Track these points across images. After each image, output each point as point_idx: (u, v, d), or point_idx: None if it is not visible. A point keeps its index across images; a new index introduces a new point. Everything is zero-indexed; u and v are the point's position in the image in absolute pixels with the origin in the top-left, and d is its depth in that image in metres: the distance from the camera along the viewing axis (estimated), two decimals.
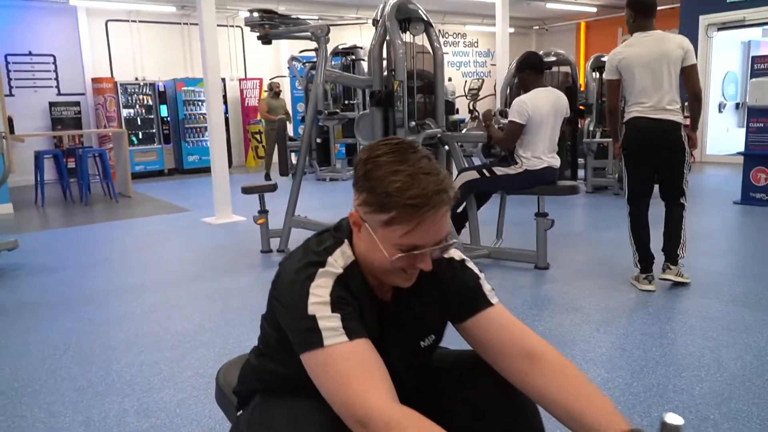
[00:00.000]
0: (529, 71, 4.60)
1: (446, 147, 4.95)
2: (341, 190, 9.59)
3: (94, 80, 12.30)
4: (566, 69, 8.62)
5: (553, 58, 8.66)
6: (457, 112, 10.80)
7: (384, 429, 1.09)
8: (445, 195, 1.20)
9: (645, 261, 3.94)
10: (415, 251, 1.21)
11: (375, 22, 4.92)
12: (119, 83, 12.35)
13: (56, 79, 12.39)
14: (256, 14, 5.39)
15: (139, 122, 12.75)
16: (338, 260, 1.28)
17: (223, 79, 13.29)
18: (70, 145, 12.02)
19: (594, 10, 15.42)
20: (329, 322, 1.18)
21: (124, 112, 12.47)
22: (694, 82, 3.69)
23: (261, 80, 13.84)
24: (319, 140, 10.99)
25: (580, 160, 8.49)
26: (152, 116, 12.80)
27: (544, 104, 4.53)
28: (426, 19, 4.97)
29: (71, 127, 12.11)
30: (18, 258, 5.63)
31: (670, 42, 3.69)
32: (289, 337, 1.23)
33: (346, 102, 10.76)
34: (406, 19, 4.94)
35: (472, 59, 16.88)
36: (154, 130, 12.87)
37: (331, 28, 5.35)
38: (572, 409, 1.19)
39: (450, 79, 5.66)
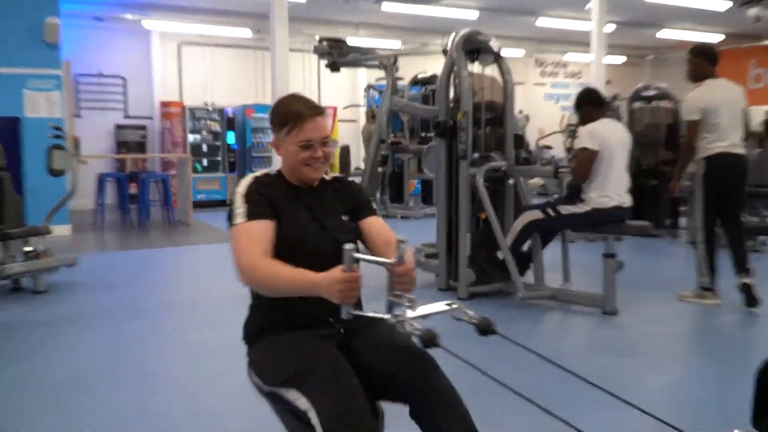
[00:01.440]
0: (589, 107, 5.07)
1: (510, 181, 5.41)
2: (412, 228, 10.14)
3: (163, 104, 13.55)
4: (668, 104, 8.93)
5: (653, 92, 8.99)
6: (528, 149, 11.23)
7: (251, 270, 1.92)
8: (317, 108, 2.13)
9: (713, 278, 5.13)
10: (308, 144, 2.10)
11: (445, 52, 5.51)
12: (188, 108, 13.57)
13: (124, 101, 13.73)
14: (325, 43, 6.11)
15: (204, 149, 13.87)
16: (265, 171, 2.21)
17: None
18: (133, 169, 13.21)
19: (716, 39, 15.42)
20: (240, 208, 2.03)
21: (191, 138, 13.65)
22: (748, 122, 5.13)
23: (335, 109, 14.74)
24: (380, 169, 11.56)
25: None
26: (218, 143, 13.91)
27: (613, 134, 4.94)
28: (496, 50, 5.51)
29: (136, 151, 13.35)
30: (75, 275, 6.47)
31: (737, 88, 5.08)
32: None
33: (424, 135, 11.38)
34: (475, 49, 5.51)
35: (573, 91, 17.25)
36: (219, 158, 13.95)
37: (412, 56, 6.02)
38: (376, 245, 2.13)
39: (521, 112, 6.13)
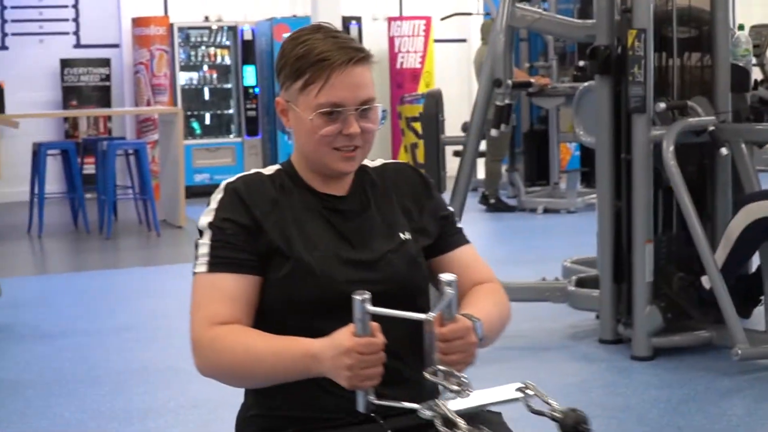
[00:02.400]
0: None
1: (723, 151, 5.37)
2: (564, 229, 10.13)
3: (136, 23, 13.95)
4: None
5: None
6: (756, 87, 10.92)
7: (205, 347, 2.08)
8: (357, 51, 2.15)
9: None
10: (336, 109, 2.13)
11: None
12: (177, 27, 13.89)
13: (75, 21, 14.18)
14: None
15: (205, 95, 14.17)
16: (257, 170, 2.29)
17: (356, 20, 14.48)
18: (89, 134, 13.63)
19: None
20: (203, 246, 2.15)
21: (182, 78, 13.98)
22: None
23: (428, 21, 14.86)
24: (495, 132, 11.51)
25: None
26: (229, 85, 14.21)
27: None
28: None
29: (94, 104, 13.82)
30: (1, 314, 6.79)
31: None
32: None
33: (582, 65, 11.33)
34: None
35: None
36: (230, 111, 14.24)
37: None
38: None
39: (741, 27, 6.02)
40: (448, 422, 1.78)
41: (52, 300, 7.51)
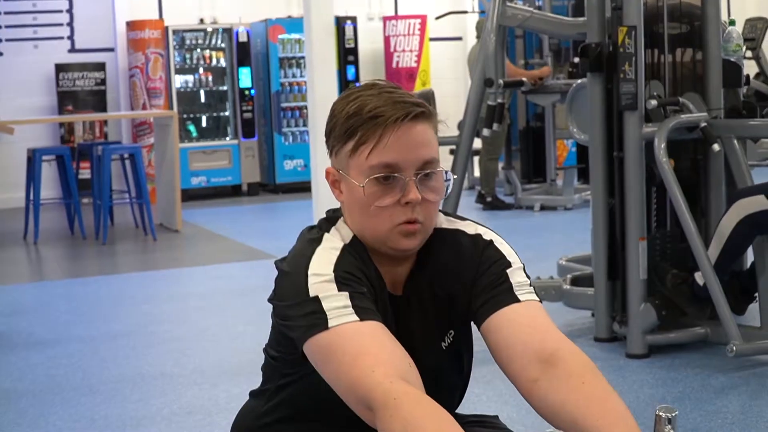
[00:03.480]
0: None
1: (715, 147, 5.36)
2: (561, 226, 10.14)
3: (131, 26, 13.97)
4: None
5: None
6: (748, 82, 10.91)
7: (382, 408, 1.71)
8: (415, 106, 1.96)
9: None
10: (392, 175, 1.94)
11: None
12: (172, 30, 13.92)
13: (70, 25, 14.20)
14: None
15: (201, 98, 14.18)
16: (336, 235, 2.04)
17: (351, 20, 14.50)
18: (85, 138, 13.65)
19: None
20: (335, 302, 1.87)
21: (178, 81, 14.01)
22: None
23: (424, 18, 14.86)
24: (487, 132, 11.53)
25: None
26: (225, 87, 14.22)
27: None
28: None
29: (89, 108, 13.83)
30: None
31: None
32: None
33: (576, 61, 11.34)
34: None
35: None
36: (226, 112, 14.26)
37: None
38: (583, 421, 1.76)
39: (732, 23, 6.00)
40: None
41: (47, 307, 7.52)
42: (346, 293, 1.89)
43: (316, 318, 1.87)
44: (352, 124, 1.95)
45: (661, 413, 1.64)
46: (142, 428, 4.75)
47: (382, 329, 1.87)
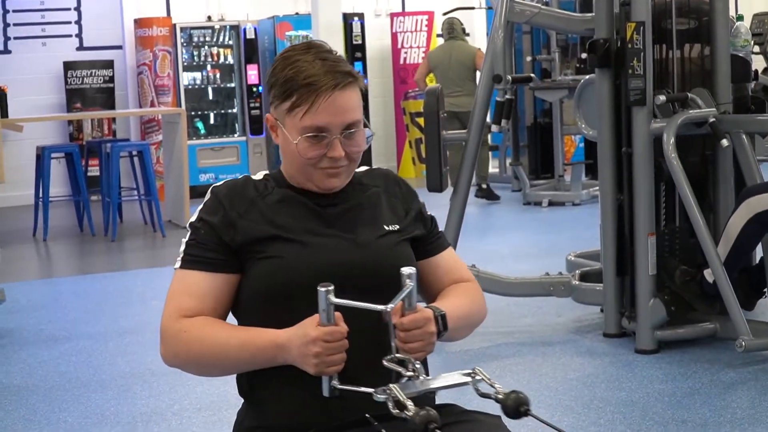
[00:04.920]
0: None
1: (724, 142, 5.36)
2: (569, 222, 10.13)
3: (139, 24, 13.98)
4: None
5: None
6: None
7: (170, 336, 2.23)
8: (345, 76, 2.24)
9: None
10: (320, 134, 2.23)
11: None
12: (179, 27, 13.92)
13: (78, 23, 14.23)
14: None
15: (209, 95, 14.19)
16: (245, 176, 2.42)
17: (359, 16, 14.51)
18: (93, 136, 13.68)
19: None
20: (182, 246, 2.30)
21: (185, 78, 14.01)
22: None
23: (431, 15, 14.86)
24: (496, 128, 11.51)
25: None
26: (233, 84, 14.23)
27: None
28: None
29: (98, 106, 13.85)
30: (4, 319, 6.83)
31: None
32: None
33: (585, 57, 11.32)
34: None
35: None
36: (234, 110, 14.26)
37: None
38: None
39: (740, 18, 6.02)
40: (399, 404, 1.91)
41: (56, 304, 7.54)
42: (188, 240, 2.29)
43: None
44: (289, 87, 2.23)
45: (402, 270, 2.09)
46: (152, 424, 4.78)
47: (198, 278, 2.25)
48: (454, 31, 12.26)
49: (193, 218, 2.31)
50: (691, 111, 5.42)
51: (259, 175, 2.40)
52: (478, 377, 2.01)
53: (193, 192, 11.38)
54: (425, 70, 12.25)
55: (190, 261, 2.27)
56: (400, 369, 2.05)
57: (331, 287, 2.02)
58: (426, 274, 2.41)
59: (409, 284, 2.07)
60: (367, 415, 2.10)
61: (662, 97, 5.38)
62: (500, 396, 1.96)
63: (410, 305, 2.08)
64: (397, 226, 2.37)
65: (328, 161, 2.26)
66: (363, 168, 2.44)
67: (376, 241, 2.31)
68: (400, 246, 2.35)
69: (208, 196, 2.32)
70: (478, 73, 12.39)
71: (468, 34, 12.91)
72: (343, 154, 2.25)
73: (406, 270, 2.09)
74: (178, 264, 2.29)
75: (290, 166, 2.34)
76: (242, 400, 2.39)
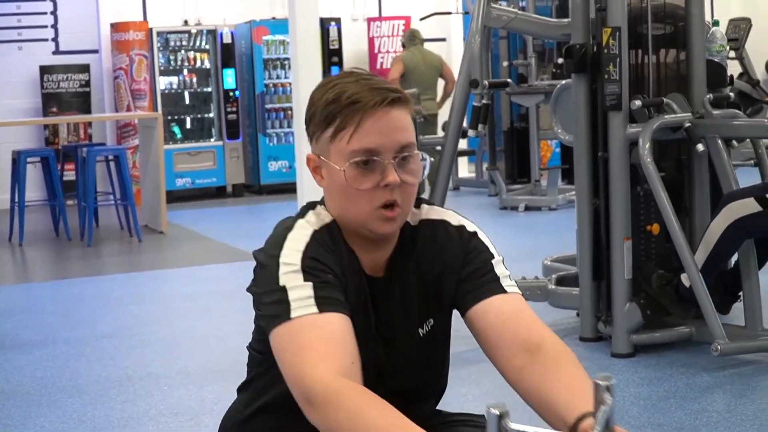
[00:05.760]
0: None
1: (699, 147, 5.38)
2: (546, 226, 10.17)
3: (116, 28, 13.94)
4: None
5: None
6: (753, 83, 10.92)
7: (323, 403, 1.80)
8: (392, 92, 2.04)
9: None
10: (371, 158, 2.01)
11: None
12: (156, 31, 13.88)
13: (54, 27, 14.17)
14: None
15: (186, 100, 14.14)
16: (310, 220, 2.10)
17: (335, 21, 14.47)
18: (70, 140, 13.62)
19: None
20: (300, 292, 1.94)
21: (162, 83, 13.96)
22: None
23: (408, 20, 14.87)
24: (474, 132, 11.55)
25: None
26: (209, 89, 14.18)
27: None
28: None
29: (74, 110, 13.78)
30: None
31: None
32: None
33: (561, 62, 11.34)
34: None
35: None
36: (210, 114, 14.21)
37: None
38: (556, 402, 1.90)
39: (716, 23, 6.06)
40: None
41: (32, 309, 7.50)
42: (311, 283, 1.96)
43: (281, 308, 1.95)
44: (331, 111, 2.03)
45: (598, 381, 1.67)
46: (129, 429, 4.76)
47: (339, 321, 1.94)
48: (415, 39, 12.64)
49: (295, 261, 1.99)
50: (666, 116, 5.42)
51: (316, 224, 2.10)
52: None
53: (170, 197, 11.38)
54: (398, 74, 12.31)
55: (327, 302, 1.94)
56: None
57: (505, 409, 1.61)
58: (478, 327, 2.10)
59: (608, 401, 1.67)
60: None
61: (638, 102, 5.39)
62: None
63: (608, 426, 1.69)
64: (432, 321, 2.17)
65: (382, 194, 2.02)
66: (438, 214, 2.20)
67: (409, 352, 2.13)
68: (429, 355, 2.17)
69: (306, 233, 2.05)
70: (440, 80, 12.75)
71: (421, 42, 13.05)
72: (399, 181, 2.01)
73: (603, 380, 1.66)
74: (305, 311, 1.93)
75: (341, 211, 2.09)
76: (220, 405, 2.34)
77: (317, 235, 2.06)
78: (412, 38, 12.65)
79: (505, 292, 2.10)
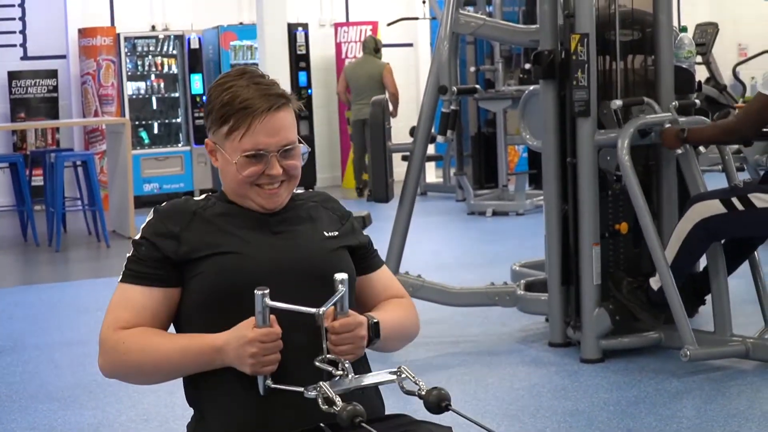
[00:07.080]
0: None
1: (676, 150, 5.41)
2: (514, 231, 10.17)
3: (83, 33, 13.86)
4: None
5: None
6: (720, 88, 10.99)
7: (108, 346, 2.36)
8: (278, 98, 2.38)
9: None
10: (258, 153, 2.36)
11: None
12: (123, 36, 13.81)
13: (22, 32, 14.08)
14: None
15: (153, 105, 14.08)
16: (186, 198, 2.58)
17: (303, 26, 14.47)
18: (37, 146, 13.53)
19: None
20: (127, 263, 2.42)
21: (130, 88, 13.90)
22: None
23: (375, 25, 14.87)
24: (442, 138, 11.58)
25: None
26: (176, 94, 14.14)
27: None
28: None
29: (42, 115, 13.70)
30: None
31: None
32: None
33: (528, 67, 11.36)
34: None
35: None
36: (178, 119, 14.16)
37: None
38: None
39: (684, 29, 6.08)
40: (328, 401, 2.09)
41: (1, 315, 7.41)
42: (131, 256, 2.40)
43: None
44: (226, 112, 2.37)
45: (336, 276, 2.25)
46: None
47: (139, 292, 2.37)
48: (367, 47, 13.39)
49: (136, 236, 2.42)
50: (647, 116, 5.43)
51: (201, 196, 2.52)
52: (403, 375, 2.17)
53: (138, 202, 11.31)
54: (343, 87, 13.23)
55: (130, 276, 2.37)
56: (330, 368, 2.20)
57: (267, 290, 2.16)
58: (363, 290, 2.55)
59: (341, 289, 2.23)
60: (321, 424, 2.23)
61: (618, 102, 5.39)
62: (423, 392, 2.13)
63: (342, 309, 2.24)
64: (336, 233, 2.50)
65: (267, 179, 2.39)
66: (300, 190, 2.58)
67: (317, 245, 2.44)
68: (339, 251, 2.48)
69: (150, 215, 2.45)
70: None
71: (378, 51, 13.52)
72: (281, 172, 2.38)
73: (339, 275, 2.26)
74: (120, 278, 2.40)
75: (231, 188, 2.45)
76: (190, 411, 2.47)
77: (158, 212, 2.45)
78: (364, 47, 13.38)
79: (384, 264, 2.66)
